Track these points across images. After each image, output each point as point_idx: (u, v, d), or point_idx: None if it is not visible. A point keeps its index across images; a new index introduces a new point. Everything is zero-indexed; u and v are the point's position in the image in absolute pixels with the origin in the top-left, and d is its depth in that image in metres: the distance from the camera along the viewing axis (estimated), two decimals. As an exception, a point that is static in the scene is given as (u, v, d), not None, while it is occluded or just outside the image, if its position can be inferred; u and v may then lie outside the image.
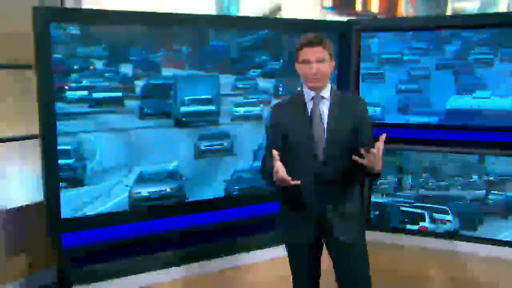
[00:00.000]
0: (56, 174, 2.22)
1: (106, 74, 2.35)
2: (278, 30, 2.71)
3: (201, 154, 2.59)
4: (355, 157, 1.69)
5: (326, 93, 1.87)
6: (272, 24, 2.78)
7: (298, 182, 1.71)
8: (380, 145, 1.67)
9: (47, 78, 2.16)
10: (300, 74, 1.86)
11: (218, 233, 2.70)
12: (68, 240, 2.29)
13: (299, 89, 1.93)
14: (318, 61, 1.80)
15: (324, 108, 1.86)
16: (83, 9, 2.23)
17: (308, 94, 1.88)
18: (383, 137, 1.69)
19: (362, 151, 1.66)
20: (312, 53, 1.79)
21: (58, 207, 2.25)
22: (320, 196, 1.83)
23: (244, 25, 2.66)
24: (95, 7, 2.37)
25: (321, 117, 1.85)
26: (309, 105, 1.87)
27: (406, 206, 2.98)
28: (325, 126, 1.84)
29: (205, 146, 2.61)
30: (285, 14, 3.55)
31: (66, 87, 2.25)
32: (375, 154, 1.66)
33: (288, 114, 1.88)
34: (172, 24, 2.43)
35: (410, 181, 2.97)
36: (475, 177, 2.84)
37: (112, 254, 2.45)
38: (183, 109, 2.55)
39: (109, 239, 2.39)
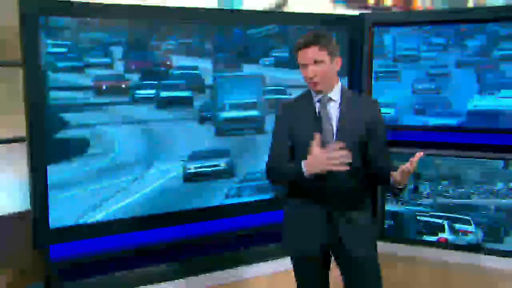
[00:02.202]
0: (44, 179, 2.20)
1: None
2: (284, 25, 2.69)
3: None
4: (394, 174, 1.71)
5: (335, 94, 1.85)
6: (277, 18, 2.77)
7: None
8: (413, 164, 1.67)
9: (35, 76, 2.14)
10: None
11: (220, 244, 2.68)
12: (56, 252, 2.27)
13: (307, 88, 1.91)
14: (315, 63, 1.76)
15: (333, 110, 1.84)
16: (77, 2, 2.22)
17: (315, 95, 1.86)
18: (419, 155, 1.68)
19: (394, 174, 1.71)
20: (306, 56, 1.76)
21: (46, 216, 2.22)
22: (328, 203, 1.81)
23: (247, 20, 2.65)
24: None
25: (330, 120, 1.83)
26: (318, 107, 1.85)
27: (424, 216, 2.94)
28: (334, 129, 1.82)
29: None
30: (292, 8, 3.54)
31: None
32: (406, 172, 1.67)
33: (296, 115, 1.86)
34: (172, 19, 2.42)
35: (428, 188, 2.93)
36: (500, 184, 2.78)
37: (105, 267, 2.42)
38: (223, 115, 2.52)
39: (101, 250, 2.37)
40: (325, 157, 1.66)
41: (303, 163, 1.72)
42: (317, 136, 1.70)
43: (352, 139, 1.80)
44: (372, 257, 1.89)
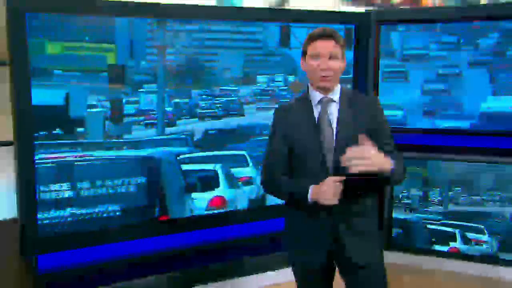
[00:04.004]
0: (33, 184, 2.18)
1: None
2: (287, 22, 2.68)
3: None
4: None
5: (336, 95, 1.85)
6: (279, 15, 2.75)
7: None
8: (363, 145, 1.63)
9: (23, 76, 2.12)
10: (307, 72, 1.83)
11: (218, 253, 2.66)
12: (45, 262, 2.24)
13: (304, 91, 1.91)
14: (331, 58, 1.77)
15: (333, 112, 1.83)
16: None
17: (315, 96, 1.85)
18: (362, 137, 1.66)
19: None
20: (324, 47, 1.76)
21: (34, 224, 2.20)
22: (331, 211, 1.78)
23: (248, 17, 2.65)
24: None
25: (330, 123, 1.82)
26: (316, 109, 1.84)
27: (434, 224, 2.90)
28: (335, 132, 1.80)
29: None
30: (294, 4, 3.54)
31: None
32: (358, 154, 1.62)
33: (293, 119, 1.86)
34: (169, 16, 2.41)
35: (438, 195, 2.90)
36: (515, 191, 2.76)
37: (98, 278, 2.39)
38: None
39: (94, 261, 2.35)
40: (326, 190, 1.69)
41: (310, 190, 1.74)
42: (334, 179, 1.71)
43: (353, 142, 1.77)
44: (376, 265, 1.87)
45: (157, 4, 2.39)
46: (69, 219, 2.28)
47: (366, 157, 1.61)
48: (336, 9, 3.57)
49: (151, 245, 2.46)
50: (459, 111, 2.78)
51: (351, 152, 1.61)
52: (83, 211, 2.31)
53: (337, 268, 1.92)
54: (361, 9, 3.06)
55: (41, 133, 2.19)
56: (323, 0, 3.28)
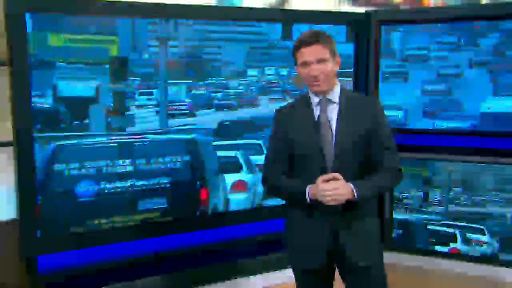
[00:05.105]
0: (32, 185, 2.19)
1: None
2: (286, 22, 2.68)
3: None
4: None
5: (335, 95, 1.85)
6: (278, 15, 2.76)
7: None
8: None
9: (22, 76, 2.13)
10: (302, 77, 1.84)
11: (218, 253, 2.67)
12: (44, 263, 2.24)
13: (304, 92, 1.93)
14: (318, 62, 1.77)
15: (333, 113, 1.84)
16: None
17: (314, 97, 1.86)
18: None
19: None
20: (310, 54, 1.77)
21: (34, 224, 2.20)
22: (330, 212, 1.79)
23: (247, 17, 2.66)
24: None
25: (329, 124, 1.83)
26: (316, 111, 1.85)
27: (434, 224, 2.90)
28: (334, 133, 1.81)
29: None
30: (294, 4, 3.54)
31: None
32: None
33: (293, 121, 1.87)
34: (170, 17, 2.43)
35: (439, 196, 2.90)
36: (516, 191, 2.76)
37: (98, 279, 2.40)
38: None
39: (94, 261, 2.35)
40: (324, 191, 1.71)
41: (308, 190, 1.76)
42: (326, 176, 1.74)
43: (353, 143, 1.80)
44: (377, 266, 1.88)
45: (157, 4, 2.40)
46: (69, 218, 2.29)
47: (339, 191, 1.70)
48: (336, 9, 3.58)
49: (151, 245, 2.47)
50: (459, 111, 2.78)
51: (325, 185, 1.70)
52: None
53: (337, 269, 1.93)
54: (361, 9, 3.06)
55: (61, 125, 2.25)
56: (323, 0, 3.30)
